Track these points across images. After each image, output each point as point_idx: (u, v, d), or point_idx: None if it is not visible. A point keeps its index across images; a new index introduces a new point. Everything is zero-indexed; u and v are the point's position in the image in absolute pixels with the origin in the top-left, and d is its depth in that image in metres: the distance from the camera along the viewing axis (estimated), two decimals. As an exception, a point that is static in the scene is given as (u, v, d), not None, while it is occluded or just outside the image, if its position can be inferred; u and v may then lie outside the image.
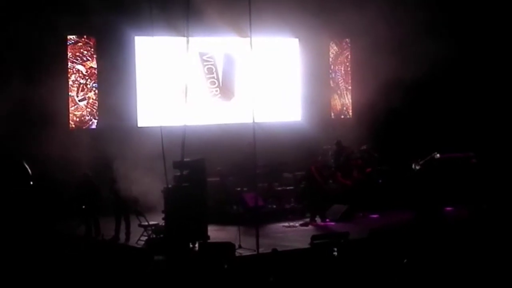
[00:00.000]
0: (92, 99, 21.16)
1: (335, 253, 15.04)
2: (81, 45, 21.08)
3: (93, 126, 21.12)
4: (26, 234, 16.52)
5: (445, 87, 23.43)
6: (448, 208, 19.54)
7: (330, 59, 24.75)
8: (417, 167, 20.45)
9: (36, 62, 19.29)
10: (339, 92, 24.95)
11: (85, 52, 21.11)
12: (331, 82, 24.79)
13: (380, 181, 20.36)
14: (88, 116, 21.11)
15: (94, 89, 21.17)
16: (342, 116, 24.91)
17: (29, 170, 17.91)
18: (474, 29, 22.72)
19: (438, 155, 20.48)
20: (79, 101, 21.02)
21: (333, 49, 24.81)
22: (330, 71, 24.77)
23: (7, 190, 17.57)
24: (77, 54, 21.02)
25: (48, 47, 19.62)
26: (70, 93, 20.89)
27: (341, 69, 24.96)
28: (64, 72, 20.75)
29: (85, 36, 21.09)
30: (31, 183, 17.81)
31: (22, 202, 17.71)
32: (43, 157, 18.29)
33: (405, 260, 14.42)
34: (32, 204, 17.87)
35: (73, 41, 21.00)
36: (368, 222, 18.88)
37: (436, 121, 23.00)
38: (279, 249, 15.26)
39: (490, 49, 22.96)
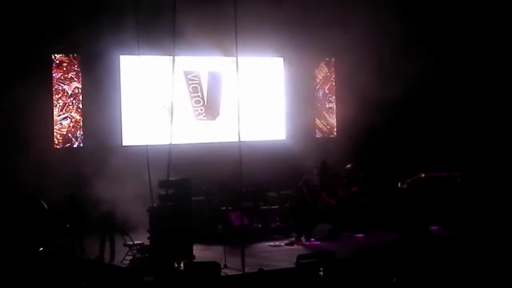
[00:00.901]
0: (77, 118, 21.09)
1: (321, 273, 15.00)
2: (66, 64, 21.03)
3: (78, 145, 21.03)
4: (14, 255, 16.45)
5: (428, 104, 23.55)
6: (434, 227, 19.55)
7: (316, 78, 24.78)
8: (404, 186, 20.51)
9: (20, 81, 19.16)
10: (323, 111, 24.98)
11: (70, 70, 21.05)
12: (315, 101, 24.82)
13: (365, 200, 20.35)
14: (72, 135, 21.03)
15: (78, 108, 21.10)
16: (327, 135, 24.94)
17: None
18: (454, 44, 22.86)
19: (423, 175, 20.58)
20: (63, 120, 20.94)
21: (318, 68, 24.86)
22: (315, 90, 24.80)
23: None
24: (62, 72, 20.97)
25: (32, 66, 19.55)
26: (54, 112, 20.82)
27: (325, 88, 25.00)
28: (48, 91, 20.68)
29: (70, 55, 21.04)
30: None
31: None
32: (27, 177, 18.20)
33: (395, 280, 14.40)
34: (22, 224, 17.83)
35: (57, 60, 20.95)
36: (354, 242, 18.87)
37: (421, 140, 23.08)
38: (265, 268, 15.22)
39: (469, 64, 23.11)
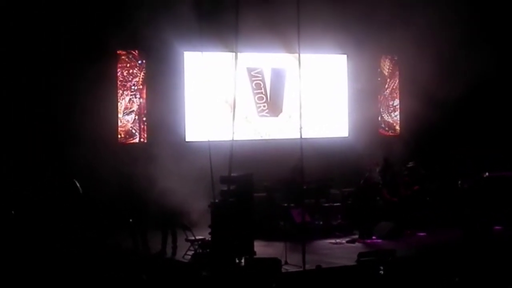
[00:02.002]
0: (140, 113, 21.30)
1: (381, 271, 14.93)
2: (130, 60, 21.26)
3: (141, 140, 21.25)
4: (75, 247, 16.69)
5: (492, 100, 23.29)
6: (497, 227, 19.31)
7: (379, 76, 24.67)
8: (466, 185, 20.29)
9: (85, 76, 19.44)
10: (387, 108, 24.84)
11: (134, 66, 21.28)
12: (379, 98, 24.70)
13: (428, 198, 20.19)
14: (136, 130, 21.25)
15: (142, 103, 21.31)
16: (390, 133, 24.79)
17: (80, 189, 18.12)
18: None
19: (487, 173, 20.34)
20: (127, 115, 21.17)
21: (381, 65, 24.73)
22: (378, 87, 24.67)
23: (58, 206, 17.78)
24: (126, 68, 21.21)
25: (98, 62, 19.79)
26: (118, 107, 21.07)
27: (389, 86, 24.85)
28: (113, 87, 20.95)
29: (134, 51, 21.27)
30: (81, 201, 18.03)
31: (74, 217, 17.95)
32: (92, 172, 18.46)
33: (457, 279, 14.26)
34: (84, 218, 18.07)
35: (122, 56, 21.19)
36: (416, 240, 18.74)
37: (485, 139, 22.80)
38: (325, 266, 15.21)
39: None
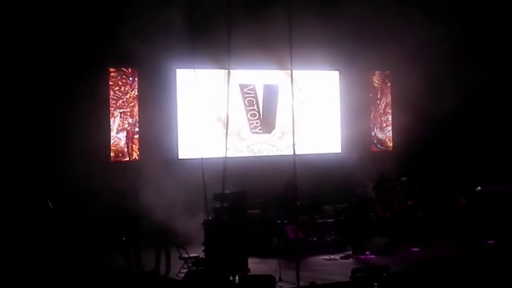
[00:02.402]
0: (133, 131, 21.29)
1: (375, 287, 14.93)
2: (122, 78, 21.27)
3: (134, 158, 21.23)
4: (70, 266, 16.68)
5: (484, 114, 23.40)
6: (490, 242, 19.33)
7: (371, 92, 24.73)
8: (460, 200, 20.31)
9: (78, 95, 19.44)
10: (379, 123, 24.89)
11: (127, 84, 21.29)
12: (371, 114, 24.75)
13: (421, 213, 20.21)
14: (129, 148, 21.23)
15: (135, 121, 21.31)
16: (383, 148, 24.84)
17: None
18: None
19: (479, 187, 20.38)
20: (119, 133, 21.16)
21: (374, 81, 24.80)
22: (371, 103, 24.73)
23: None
24: (119, 86, 21.21)
25: (90, 80, 19.80)
26: (111, 125, 21.06)
27: (381, 101, 24.92)
28: (105, 105, 20.94)
29: (127, 69, 21.28)
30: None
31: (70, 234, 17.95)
32: (85, 190, 18.44)
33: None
34: (76, 236, 18.06)
35: (114, 74, 21.20)
36: (409, 256, 18.74)
37: (477, 153, 22.86)
38: (319, 282, 15.19)
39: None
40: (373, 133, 24.80)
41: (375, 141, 24.83)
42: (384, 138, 24.92)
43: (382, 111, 24.95)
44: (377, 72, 24.82)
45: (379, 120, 24.91)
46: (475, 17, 22.59)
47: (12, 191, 18.59)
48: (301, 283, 15.21)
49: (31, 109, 19.43)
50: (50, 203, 18.05)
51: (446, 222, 20.03)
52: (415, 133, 22.51)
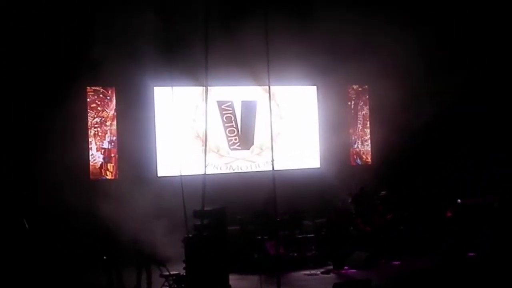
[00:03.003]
0: (111, 149, 21.25)
1: (358, 301, 14.94)
2: (100, 96, 21.23)
3: (114, 177, 21.18)
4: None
5: (461, 126, 23.57)
6: (471, 254, 19.40)
7: (349, 106, 24.81)
8: (449, 215, 20.37)
9: (55, 113, 19.37)
10: (358, 138, 24.96)
11: (105, 102, 21.26)
12: (349, 128, 24.82)
13: (401, 227, 20.26)
14: (108, 167, 21.18)
15: (113, 139, 21.27)
16: (361, 162, 24.91)
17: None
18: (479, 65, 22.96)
19: (459, 200, 20.47)
20: (98, 151, 21.12)
21: (352, 95, 24.89)
22: (349, 117, 24.81)
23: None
24: (96, 104, 21.18)
25: (67, 99, 19.72)
26: (89, 144, 21.01)
27: (359, 115, 25.00)
28: (83, 123, 20.90)
29: (104, 87, 21.25)
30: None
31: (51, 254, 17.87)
32: (65, 208, 18.35)
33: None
34: (57, 254, 17.98)
35: (92, 92, 21.16)
36: (390, 269, 18.76)
37: (456, 165, 22.98)
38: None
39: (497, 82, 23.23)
40: (351, 147, 24.86)
41: (354, 155, 24.89)
42: (362, 152, 24.98)
43: (360, 125, 25.03)
44: (354, 86, 24.92)
45: (357, 134, 24.98)
46: (450, 26, 22.77)
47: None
48: (283, 299, 15.21)
49: (7, 127, 19.37)
50: (25, 222, 17.94)
51: (427, 234, 20.06)
52: (394, 146, 22.66)
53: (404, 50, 21.15)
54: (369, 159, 25.01)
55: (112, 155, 21.27)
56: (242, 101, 22.84)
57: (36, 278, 16.97)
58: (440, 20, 22.51)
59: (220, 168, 22.30)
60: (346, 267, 18.91)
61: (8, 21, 19.08)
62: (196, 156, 20.79)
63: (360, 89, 25.01)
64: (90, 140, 21.04)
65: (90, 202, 17.96)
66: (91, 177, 20.95)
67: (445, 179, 22.44)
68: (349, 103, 24.86)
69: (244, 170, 22.68)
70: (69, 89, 19.85)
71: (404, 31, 20.87)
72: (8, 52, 19.20)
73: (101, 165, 21.16)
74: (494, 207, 20.40)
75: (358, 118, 25.02)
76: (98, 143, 21.15)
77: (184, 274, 16.38)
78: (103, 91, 21.28)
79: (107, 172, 21.19)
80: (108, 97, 21.33)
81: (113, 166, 21.25)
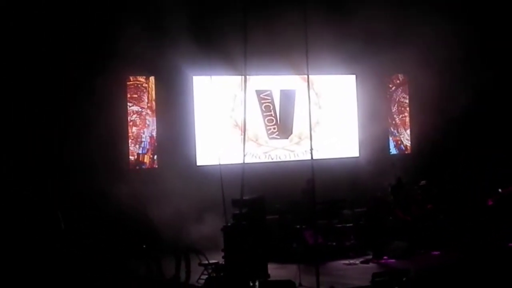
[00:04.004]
0: (151, 139, 21.34)
1: (396, 291, 14.88)
2: (140, 86, 21.32)
3: (153, 166, 21.27)
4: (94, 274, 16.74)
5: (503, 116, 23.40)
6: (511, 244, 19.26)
7: (388, 95, 24.69)
8: (489, 202, 20.19)
9: (96, 103, 19.49)
10: (397, 127, 24.83)
11: (144, 92, 21.34)
12: (389, 117, 24.70)
13: (441, 217, 20.13)
14: (147, 156, 21.28)
15: (152, 129, 21.36)
16: (401, 152, 24.77)
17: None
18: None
19: (500, 190, 20.28)
20: (138, 141, 21.21)
21: (391, 84, 24.76)
22: (388, 106, 24.68)
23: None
24: (137, 94, 21.27)
25: (107, 89, 19.83)
26: (129, 133, 21.11)
27: (398, 105, 24.86)
28: (123, 113, 21.00)
29: (144, 77, 21.33)
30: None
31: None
32: (103, 198, 18.46)
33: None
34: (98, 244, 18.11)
35: (132, 82, 21.26)
36: (430, 259, 18.66)
37: (498, 155, 22.76)
38: (339, 287, 15.14)
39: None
40: (391, 136, 24.74)
41: (393, 145, 24.76)
42: (402, 141, 24.85)
43: (399, 114, 24.88)
44: (393, 75, 24.76)
45: (396, 123, 24.84)
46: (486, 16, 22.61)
47: (24, 201, 18.65)
48: (321, 288, 15.19)
49: (50, 119, 19.52)
50: (60, 214, 18.06)
51: (467, 224, 19.90)
52: (434, 135, 22.48)
53: (442, 39, 21.01)
54: (408, 148, 24.87)
55: (151, 144, 21.34)
56: (281, 90, 22.80)
57: (75, 269, 17.08)
58: (478, 9, 22.36)
59: (259, 157, 22.30)
60: (385, 257, 18.84)
61: (48, 12, 19.20)
62: (235, 145, 20.79)
63: (399, 78, 24.85)
64: (129, 129, 21.11)
65: (129, 191, 18.09)
66: (131, 166, 21.04)
67: (485, 168, 22.21)
68: (388, 92, 24.73)
69: (283, 159, 22.65)
70: (109, 79, 19.94)
71: (442, 19, 20.73)
72: (51, 42, 19.32)
73: (140, 154, 21.24)
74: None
75: (397, 107, 24.87)
76: (137, 133, 21.23)
77: (223, 263, 16.41)
78: (142, 81, 21.35)
79: (146, 162, 21.28)
80: (148, 87, 21.39)
81: (152, 155, 21.33)
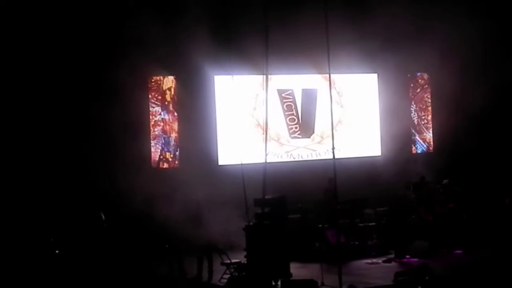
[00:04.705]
0: (173, 138, 21.39)
1: (419, 291, 14.86)
2: (161, 86, 21.37)
3: (175, 165, 21.31)
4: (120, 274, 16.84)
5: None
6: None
7: (410, 94, 24.60)
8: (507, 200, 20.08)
9: (118, 103, 19.55)
10: (419, 126, 24.75)
11: (166, 92, 21.39)
12: (411, 116, 24.62)
13: (464, 216, 20.05)
14: (169, 155, 21.33)
15: (174, 128, 21.40)
16: (423, 150, 24.69)
17: (103, 217, 18.20)
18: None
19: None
20: (159, 140, 21.26)
21: (413, 83, 24.68)
22: (410, 105, 24.60)
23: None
24: (158, 94, 21.32)
25: (130, 89, 19.88)
26: (150, 133, 21.17)
27: (420, 103, 24.78)
28: (145, 112, 21.06)
29: (165, 77, 21.38)
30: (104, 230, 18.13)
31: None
32: (126, 198, 18.51)
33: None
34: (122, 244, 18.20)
35: (153, 82, 21.32)
36: (452, 258, 18.60)
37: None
38: (362, 286, 15.12)
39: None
40: (413, 136, 24.66)
41: (416, 143, 24.68)
42: (424, 140, 24.77)
43: (421, 113, 24.79)
44: (415, 74, 24.68)
45: (419, 122, 24.76)
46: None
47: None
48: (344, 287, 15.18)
49: (73, 119, 19.63)
50: (102, 214, 18.19)
51: (489, 222, 19.82)
52: (456, 134, 22.39)
53: (464, 37, 20.92)
54: (431, 147, 24.78)
55: (173, 144, 21.39)
56: (303, 89, 22.78)
57: (108, 269, 17.19)
58: (500, 5, 22.25)
59: (281, 157, 22.28)
60: (407, 256, 18.79)
61: (74, 12, 19.30)
62: (257, 144, 20.83)
63: (421, 77, 24.77)
64: (151, 128, 21.17)
65: (151, 191, 18.13)
66: (152, 165, 21.08)
67: (506, 166, 22.13)
68: (410, 91, 24.65)
69: (305, 158, 22.63)
70: (132, 79, 20.00)
71: (463, 18, 20.64)
72: (75, 43, 19.42)
73: (162, 154, 21.30)
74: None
75: (419, 106, 24.79)
76: (159, 132, 21.29)
77: (245, 262, 16.43)
78: (164, 81, 21.39)
79: (168, 161, 21.33)
80: (169, 87, 21.43)
81: (174, 155, 21.38)
